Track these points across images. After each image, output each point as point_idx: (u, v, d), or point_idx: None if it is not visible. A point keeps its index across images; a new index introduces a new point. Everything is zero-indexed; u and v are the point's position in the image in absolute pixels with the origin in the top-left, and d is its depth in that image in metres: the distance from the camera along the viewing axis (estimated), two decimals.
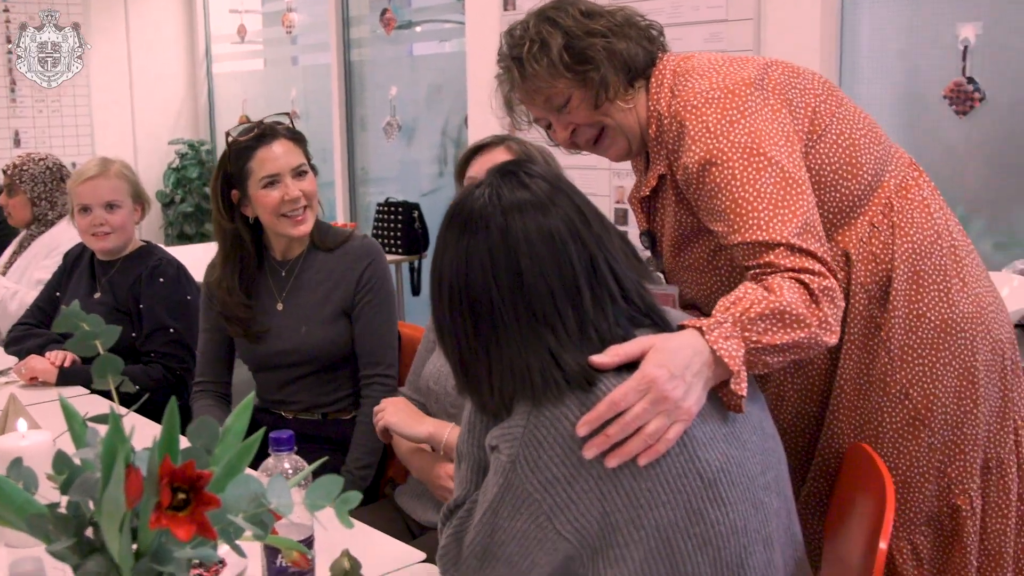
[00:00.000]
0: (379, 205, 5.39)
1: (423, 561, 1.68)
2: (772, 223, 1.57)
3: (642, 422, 1.31)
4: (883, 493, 1.53)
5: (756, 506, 1.40)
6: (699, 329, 1.43)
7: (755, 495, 1.40)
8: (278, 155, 2.45)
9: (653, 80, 1.77)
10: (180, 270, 3.04)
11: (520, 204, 1.38)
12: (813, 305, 1.50)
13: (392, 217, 5.30)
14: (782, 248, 1.55)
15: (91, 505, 1.11)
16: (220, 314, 2.53)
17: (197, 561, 1.64)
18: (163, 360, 2.89)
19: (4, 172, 3.93)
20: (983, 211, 3.05)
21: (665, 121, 1.73)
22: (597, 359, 1.34)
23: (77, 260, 3.18)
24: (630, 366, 1.36)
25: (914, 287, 1.74)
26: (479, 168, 2.10)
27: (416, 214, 5.26)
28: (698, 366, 1.38)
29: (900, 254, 1.74)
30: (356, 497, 1.10)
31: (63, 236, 3.73)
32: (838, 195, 1.75)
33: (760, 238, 1.56)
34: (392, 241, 5.28)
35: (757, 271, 1.56)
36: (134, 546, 1.11)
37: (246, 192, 2.47)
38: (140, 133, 6.66)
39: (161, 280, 2.97)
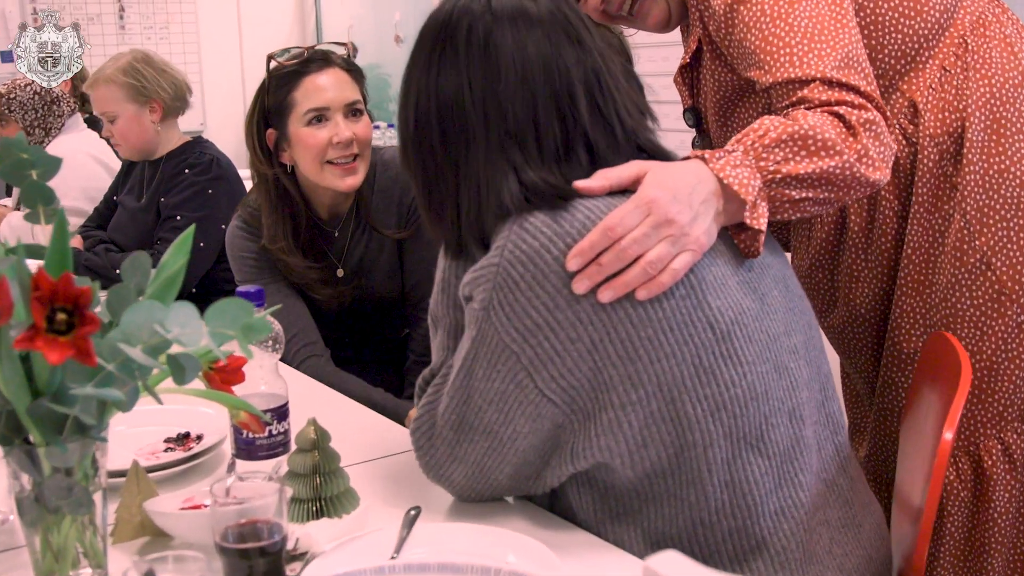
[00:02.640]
0: None
1: None
2: (807, 57, 1.33)
3: (642, 249, 1.10)
4: (957, 380, 1.28)
5: (780, 371, 1.19)
6: (701, 158, 1.20)
7: (778, 357, 1.19)
8: (329, 86, 2.04)
9: None
10: (214, 163, 2.80)
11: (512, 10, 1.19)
12: (850, 137, 1.26)
13: None
14: (817, 83, 1.31)
15: None
16: (289, 283, 2.16)
17: (174, 436, 1.50)
18: (160, 246, 2.70)
19: None
20: None
21: None
22: (583, 183, 1.14)
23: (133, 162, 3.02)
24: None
25: (994, 138, 1.48)
26: None
27: None
28: (704, 194, 1.16)
29: (975, 99, 1.48)
30: (264, 327, 0.93)
31: (59, 149, 3.48)
32: (900, 36, 1.50)
33: (793, 75, 1.33)
34: None
35: (788, 110, 1.32)
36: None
37: (285, 132, 2.06)
38: (248, 59, 6.59)
39: (186, 171, 2.78)
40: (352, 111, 2.06)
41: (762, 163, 1.22)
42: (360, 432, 1.58)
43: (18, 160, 1.14)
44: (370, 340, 2.32)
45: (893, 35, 1.50)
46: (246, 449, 1.30)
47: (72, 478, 1.01)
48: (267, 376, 1.30)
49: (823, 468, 1.23)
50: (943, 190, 1.50)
